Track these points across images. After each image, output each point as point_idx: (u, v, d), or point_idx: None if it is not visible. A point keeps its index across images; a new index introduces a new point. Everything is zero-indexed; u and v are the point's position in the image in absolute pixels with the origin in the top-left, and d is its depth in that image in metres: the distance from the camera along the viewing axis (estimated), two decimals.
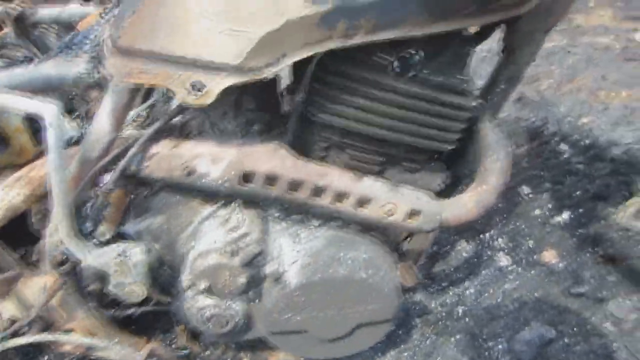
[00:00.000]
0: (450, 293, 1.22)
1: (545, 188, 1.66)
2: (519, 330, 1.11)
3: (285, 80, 0.84)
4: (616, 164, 1.70)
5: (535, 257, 1.33)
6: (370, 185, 0.80)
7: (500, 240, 1.38)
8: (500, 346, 1.12)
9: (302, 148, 0.81)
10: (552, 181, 1.70)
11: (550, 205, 1.56)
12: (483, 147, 0.83)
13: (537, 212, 1.53)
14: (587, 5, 3.18)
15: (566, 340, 1.10)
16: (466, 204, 0.83)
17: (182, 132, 0.83)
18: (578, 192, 1.58)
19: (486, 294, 1.21)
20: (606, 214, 1.50)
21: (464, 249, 1.35)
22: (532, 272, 1.28)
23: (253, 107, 0.82)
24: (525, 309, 1.16)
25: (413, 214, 0.82)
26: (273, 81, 0.84)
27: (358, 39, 0.65)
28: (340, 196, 0.79)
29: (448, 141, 0.79)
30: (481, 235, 1.40)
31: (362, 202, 0.80)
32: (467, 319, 1.16)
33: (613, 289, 1.23)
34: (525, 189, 1.65)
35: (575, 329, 1.12)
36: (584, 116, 2.06)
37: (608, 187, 1.59)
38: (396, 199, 0.81)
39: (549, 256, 1.35)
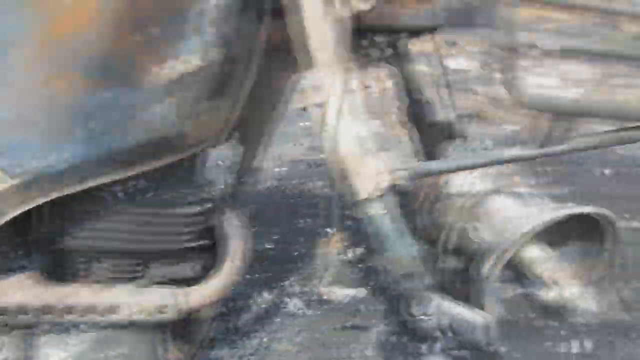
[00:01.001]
0: (249, 345, 1.40)
1: (347, 226, 1.93)
2: None
3: None
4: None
5: (324, 296, 1.58)
6: (118, 293, 0.96)
7: (296, 285, 1.61)
8: None
9: (64, 269, 0.95)
10: (354, 219, 1.97)
11: (346, 243, 1.83)
12: (225, 235, 1.03)
13: (336, 251, 1.80)
14: None
15: None
16: (208, 289, 1.01)
17: None
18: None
19: (276, 341, 1.41)
20: None
21: (265, 299, 1.56)
22: (319, 312, 1.49)
23: (10, 240, 0.95)
24: (302, 350, 1.36)
25: (160, 308, 1.00)
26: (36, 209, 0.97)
27: (69, 191, 0.77)
28: (89, 309, 0.95)
29: (191, 240, 0.97)
30: (282, 283, 1.63)
31: (112, 309, 0.97)
32: None
33: (381, 317, 1.47)
34: (330, 230, 1.91)
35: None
36: None
37: None
38: (142, 300, 0.97)
39: (336, 293, 1.60)
